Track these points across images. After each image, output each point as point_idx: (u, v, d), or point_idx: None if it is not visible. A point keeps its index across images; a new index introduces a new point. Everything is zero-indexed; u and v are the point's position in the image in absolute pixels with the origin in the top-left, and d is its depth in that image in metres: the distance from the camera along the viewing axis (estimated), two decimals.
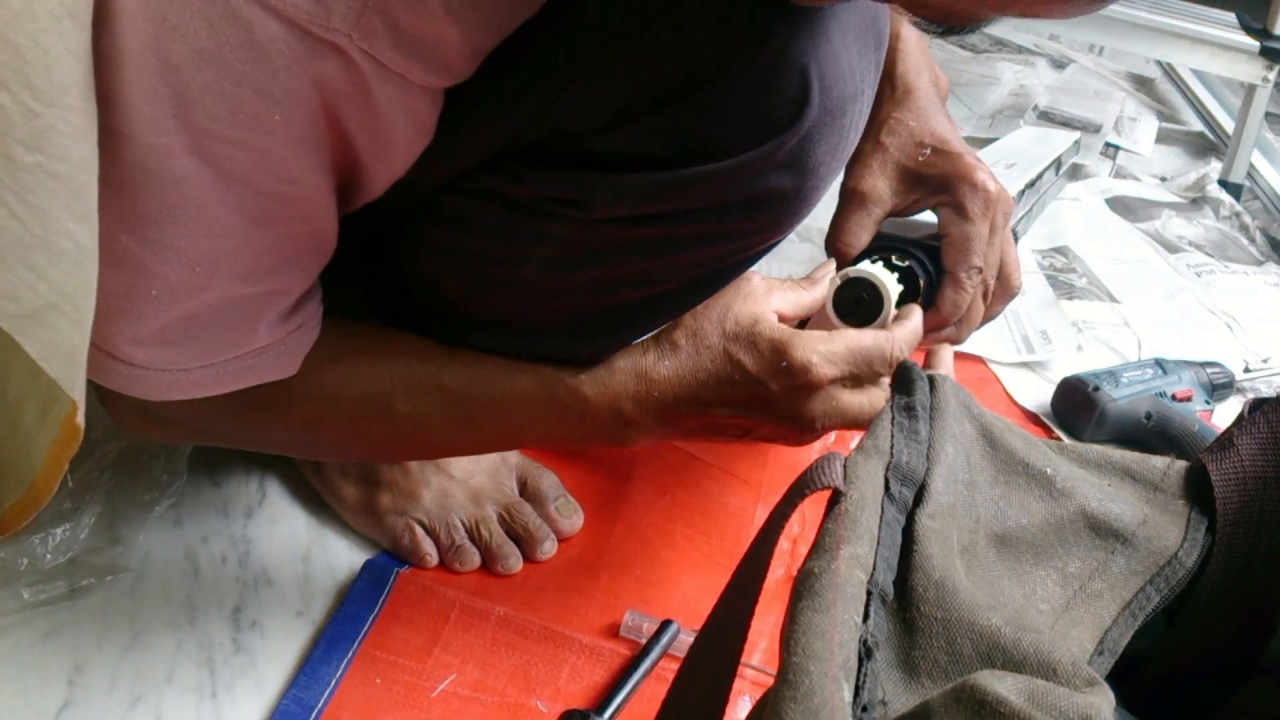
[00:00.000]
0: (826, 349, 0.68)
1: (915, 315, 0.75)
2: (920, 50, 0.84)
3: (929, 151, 0.80)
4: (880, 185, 0.80)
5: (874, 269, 0.75)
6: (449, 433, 0.71)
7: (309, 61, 0.49)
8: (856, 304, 0.73)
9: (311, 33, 0.48)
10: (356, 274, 0.67)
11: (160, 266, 0.54)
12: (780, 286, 0.72)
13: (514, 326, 0.68)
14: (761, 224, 0.64)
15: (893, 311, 0.74)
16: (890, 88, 0.82)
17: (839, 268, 0.76)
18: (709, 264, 0.66)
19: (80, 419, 0.54)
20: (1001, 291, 0.84)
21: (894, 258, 0.79)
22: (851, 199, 0.81)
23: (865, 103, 0.66)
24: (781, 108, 0.58)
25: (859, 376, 0.69)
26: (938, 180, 0.80)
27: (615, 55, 0.57)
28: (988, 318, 0.85)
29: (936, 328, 0.80)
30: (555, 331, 0.68)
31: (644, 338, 0.71)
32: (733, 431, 0.72)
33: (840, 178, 0.73)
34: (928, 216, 0.84)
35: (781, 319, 0.70)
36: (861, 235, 0.80)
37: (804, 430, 0.70)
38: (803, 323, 0.75)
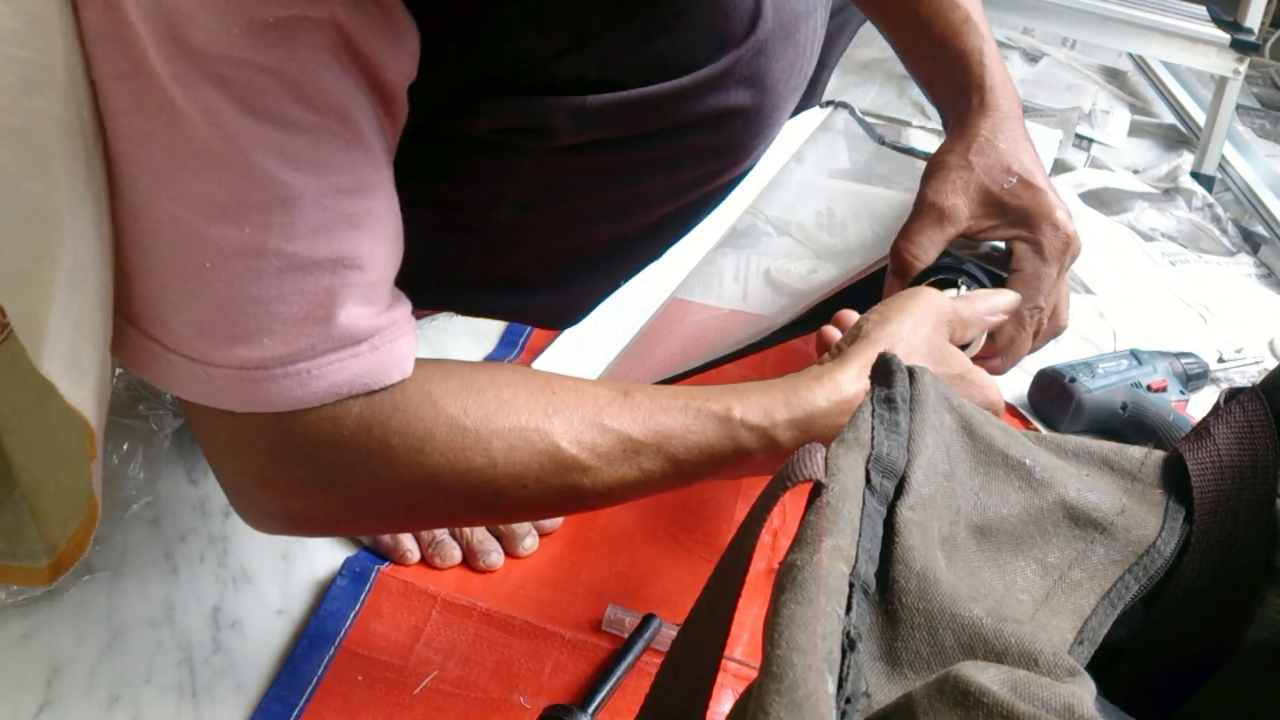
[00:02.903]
0: (995, 394, 0.71)
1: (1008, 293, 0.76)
2: (1003, 69, 0.84)
3: (1015, 181, 0.79)
4: (960, 204, 0.79)
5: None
6: (616, 485, 0.61)
7: None
8: None
9: None
10: None
11: (206, 226, 0.49)
12: (959, 323, 0.72)
13: (491, 279, 0.66)
14: (723, 144, 0.63)
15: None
16: (980, 100, 0.81)
17: (901, 277, 0.77)
18: (676, 194, 0.65)
19: (91, 418, 0.53)
20: (1050, 329, 0.85)
21: (960, 281, 0.79)
22: (928, 211, 0.80)
23: (818, 22, 0.66)
24: (735, 22, 0.58)
25: None
26: (1019, 212, 0.79)
27: None
28: (1030, 351, 0.85)
29: (986, 357, 0.80)
30: (532, 281, 0.66)
31: (847, 365, 0.65)
32: None
33: (796, 99, 0.71)
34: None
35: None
36: (931, 250, 0.79)
37: None
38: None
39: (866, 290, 0.89)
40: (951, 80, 0.84)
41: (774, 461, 0.63)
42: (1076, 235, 0.80)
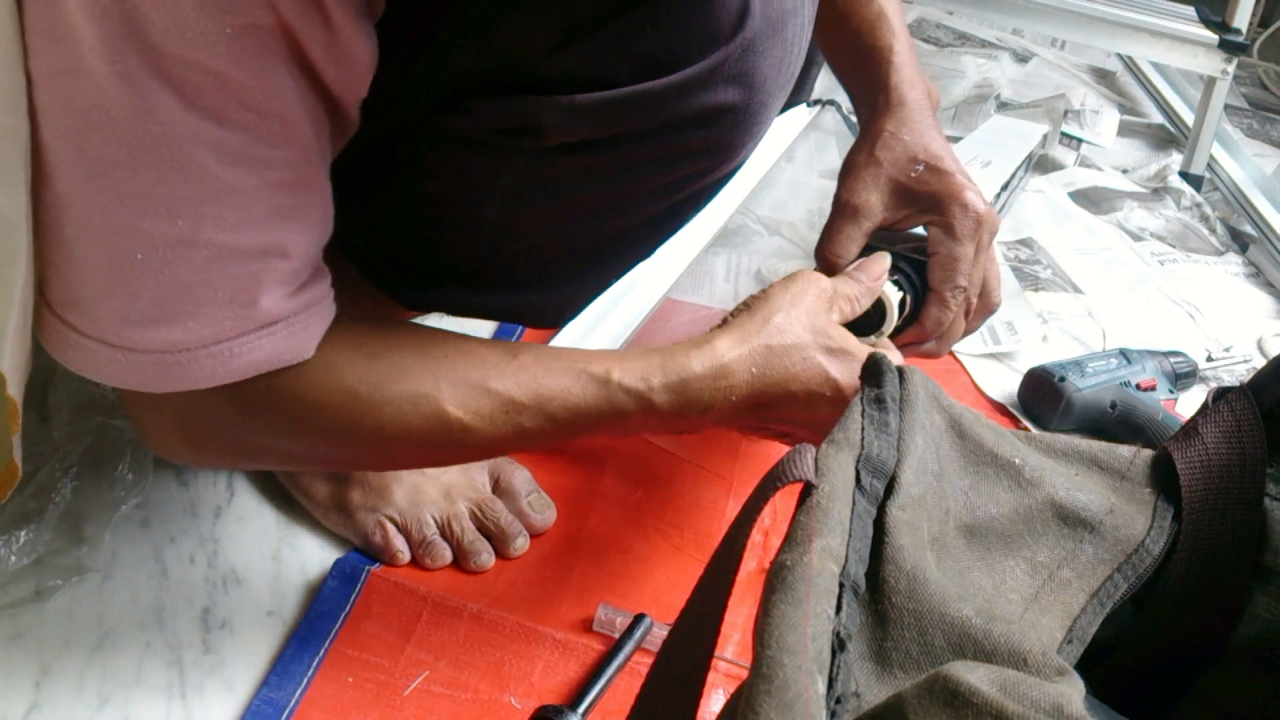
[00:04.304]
0: None
1: (892, 348, 0.78)
2: (912, 62, 0.85)
3: (921, 168, 0.81)
4: (872, 199, 0.81)
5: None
6: (498, 441, 0.66)
7: None
8: (865, 314, 0.77)
9: None
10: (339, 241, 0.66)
11: (139, 220, 0.51)
12: (840, 298, 0.73)
13: (482, 278, 0.67)
14: (714, 142, 0.64)
15: (895, 322, 0.78)
16: (884, 99, 0.83)
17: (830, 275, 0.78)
18: (667, 192, 0.66)
19: (14, 392, 0.53)
20: (982, 308, 0.86)
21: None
22: (843, 210, 0.82)
23: (805, 19, 0.67)
24: (724, 18, 0.59)
25: None
26: (929, 198, 0.81)
27: None
28: (967, 332, 0.87)
29: (918, 341, 0.83)
30: (523, 280, 0.67)
31: (726, 334, 0.68)
32: (770, 434, 0.75)
33: (785, 96, 0.73)
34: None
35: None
36: (851, 247, 0.81)
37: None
38: None
39: None
40: (862, 79, 0.86)
41: (651, 421, 0.66)
42: (989, 212, 0.82)
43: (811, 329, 0.69)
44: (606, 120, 0.59)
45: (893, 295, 0.78)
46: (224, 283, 0.54)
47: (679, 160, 0.64)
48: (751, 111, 0.63)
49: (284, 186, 0.54)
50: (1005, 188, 1.27)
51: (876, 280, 0.77)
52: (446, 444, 0.64)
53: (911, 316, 0.82)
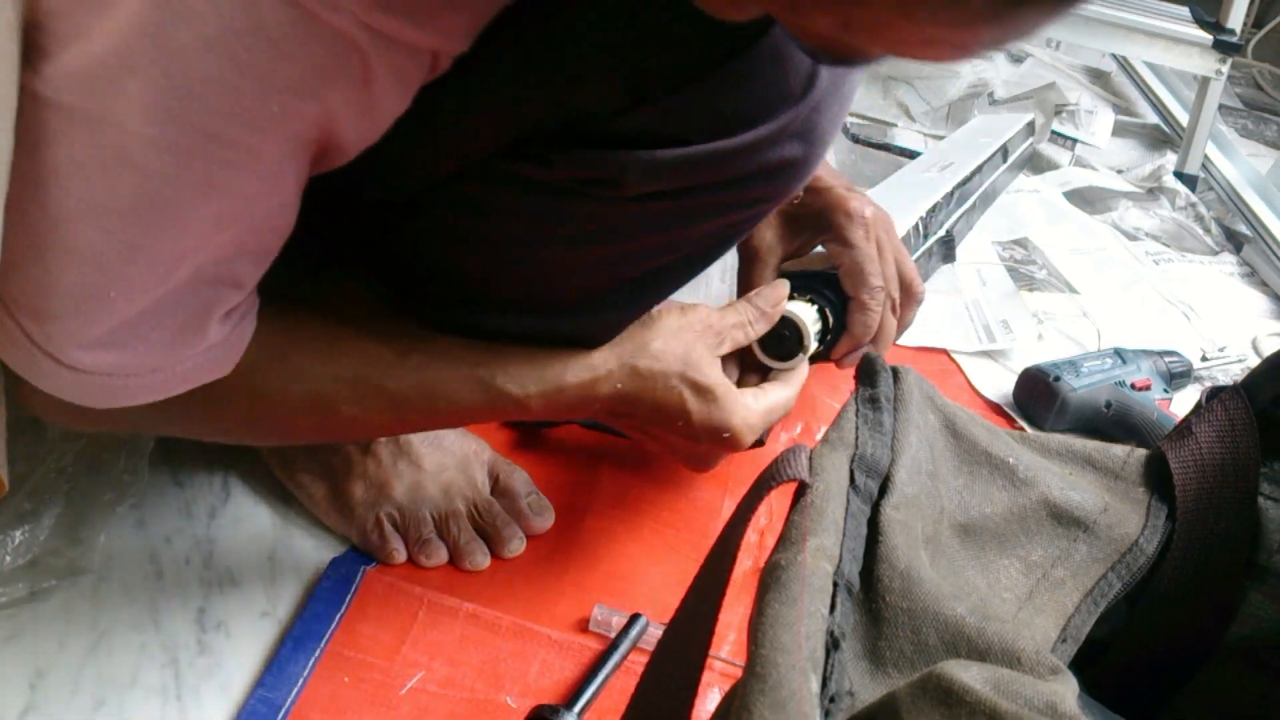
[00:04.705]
0: (753, 420, 0.75)
1: (803, 368, 0.82)
2: None
3: (801, 194, 0.84)
4: (768, 236, 0.88)
5: (792, 306, 0.81)
6: (384, 430, 0.76)
7: (312, 44, 0.48)
8: (780, 340, 0.80)
9: (318, 16, 0.47)
10: (366, 260, 0.67)
11: (124, 265, 0.52)
12: (729, 328, 0.77)
13: (527, 305, 0.69)
14: (773, 191, 0.67)
15: (814, 344, 0.81)
16: None
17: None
18: (720, 232, 0.69)
19: None
20: (908, 300, 0.89)
21: (798, 295, 0.83)
22: (747, 256, 0.89)
23: (857, 71, 0.69)
24: (795, 81, 0.60)
25: (763, 432, 0.78)
26: (814, 217, 0.86)
27: (632, 39, 0.57)
28: (902, 326, 0.90)
29: (854, 349, 0.86)
30: (568, 307, 0.69)
31: (608, 347, 0.72)
32: (636, 436, 0.79)
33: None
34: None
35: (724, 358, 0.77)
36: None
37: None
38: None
39: None
40: None
41: (525, 416, 0.72)
42: (878, 213, 0.85)
43: (684, 361, 0.73)
44: (683, 175, 0.61)
45: (806, 313, 0.81)
46: (180, 313, 0.55)
47: (738, 208, 0.67)
48: (809, 163, 0.66)
49: (258, 232, 0.55)
50: (965, 184, 1.27)
51: (775, 305, 0.80)
52: (333, 432, 0.72)
53: (840, 328, 0.85)
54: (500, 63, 0.56)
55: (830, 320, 0.84)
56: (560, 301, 0.69)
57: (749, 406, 0.75)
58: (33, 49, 0.47)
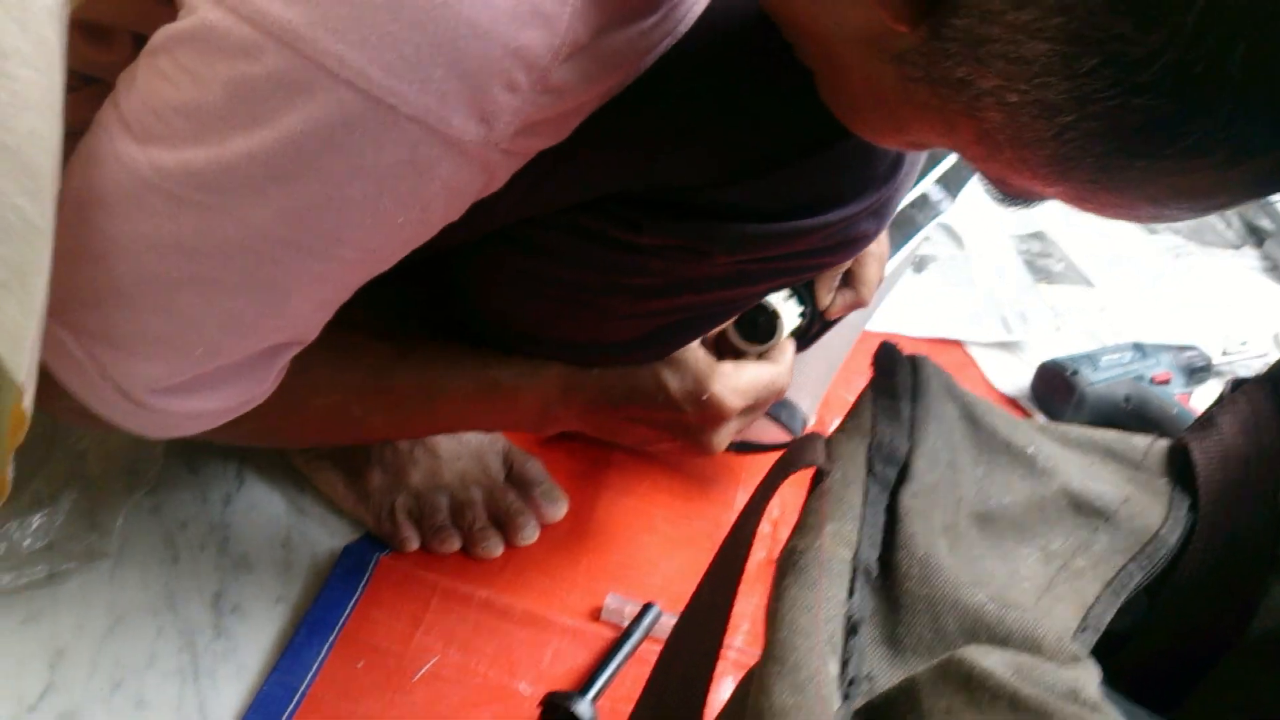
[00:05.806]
0: (736, 385, 0.75)
1: (789, 348, 0.81)
2: None
3: None
4: None
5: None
6: (385, 430, 0.76)
7: (461, 172, 0.49)
8: (754, 325, 0.80)
9: (467, 151, 0.48)
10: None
11: (218, 333, 0.53)
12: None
13: (579, 342, 0.70)
14: (838, 260, 0.69)
15: (787, 330, 0.80)
16: None
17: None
18: (776, 288, 0.72)
19: (27, 404, 0.53)
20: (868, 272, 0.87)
21: (787, 298, 0.82)
22: None
23: (920, 153, 0.70)
24: (882, 165, 0.62)
25: (754, 406, 0.77)
26: None
27: (728, 121, 0.58)
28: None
29: (850, 307, 0.84)
30: (618, 344, 0.70)
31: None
32: (635, 437, 0.78)
33: None
34: None
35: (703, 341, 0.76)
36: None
37: (703, 451, 0.78)
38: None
39: None
40: None
41: (514, 415, 0.74)
42: None
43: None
44: (768, 247, 0.62)
45: (778, 299, 0.80)
46: (256, 370, 0.57)
47: (801, 271, 0.69)
48: (875, 237, 0.67)
49: (338, 302, 0.56)
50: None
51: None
52: (348, 431, 0.73)
53: (814, 313, 0.84)
54: (593, 132, 0.55)
55: (804, 299, 0.83)
56: (608, 341, 0.70)
57: (726, 373, 0.75)
58: (139, 126, 0.48)
